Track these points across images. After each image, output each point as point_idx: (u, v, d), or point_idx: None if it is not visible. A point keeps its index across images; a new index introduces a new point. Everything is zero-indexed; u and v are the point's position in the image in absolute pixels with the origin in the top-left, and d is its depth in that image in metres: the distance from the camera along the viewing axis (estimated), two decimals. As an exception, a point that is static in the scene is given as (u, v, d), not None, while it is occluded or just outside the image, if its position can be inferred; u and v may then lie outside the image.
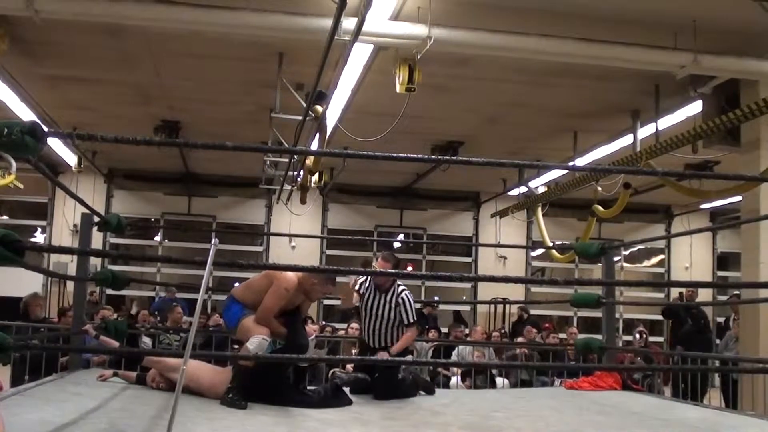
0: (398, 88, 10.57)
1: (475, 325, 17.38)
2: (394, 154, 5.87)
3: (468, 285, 23.12)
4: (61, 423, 5.32)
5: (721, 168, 15.69)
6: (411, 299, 8.68)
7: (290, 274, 7.72)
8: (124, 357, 9.70)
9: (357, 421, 6.63)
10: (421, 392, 8.81)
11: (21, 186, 17.41)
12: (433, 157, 16.33)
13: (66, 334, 9.41)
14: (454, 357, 13.11)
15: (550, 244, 19.44)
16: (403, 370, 9.55)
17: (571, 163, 15.88)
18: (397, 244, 25.03)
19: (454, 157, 16.15)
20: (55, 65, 13.15)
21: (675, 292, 21.17)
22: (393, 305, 8.56)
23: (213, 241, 4.21)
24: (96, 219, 8.49)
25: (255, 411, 6.83)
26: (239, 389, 7.00)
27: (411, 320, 8.60)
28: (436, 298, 22.67)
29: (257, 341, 7.18)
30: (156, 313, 15.91)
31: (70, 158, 18.52)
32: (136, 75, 13.54)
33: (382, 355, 8.33)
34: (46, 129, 4.62)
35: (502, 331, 17.68)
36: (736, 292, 16.52)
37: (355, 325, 14.04)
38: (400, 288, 8.69)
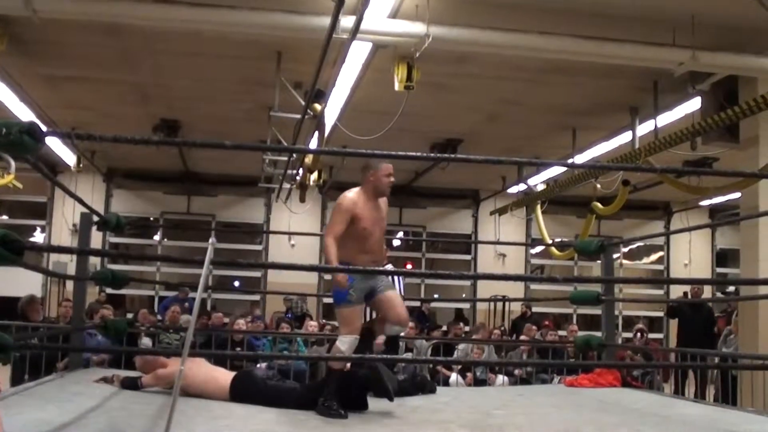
0: (397, 86, 10.58)
1: (479, 324, 17.36)
2: (393, 153, 5.87)
3: (467, 283, 23.14)
4: (61, 422, 5.32)
5: (720, 165, 15.69)
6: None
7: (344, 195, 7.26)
8: (124, 356, 9.70)
9: (357, 419, 6.64)
10: (421, 392, 8.80)
11: (20, 186, 17.45)
12: (432, 155, 16.31)
13: (65, 331, 9.40)
14: (456, 356, 13.11)
15: (550, 242, 19.47)
16: (403, 370, 9.55)
17: (570, 161, 15.89)
18: (396, 243, 25.02)
19: (453, 155, 16.17)
20: (54, 65, 13.15)
21: (674, 290, 21.20)
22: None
23: (210, 240, 4.21)
24: (95, 218, 8.48)
25: (256, 409, 6.83)
26: (333, 395, 6.84)
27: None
28: (436, 296, 22.69)
29: (349, 341, 6.93)
30: (159, 312, 15.95)
31: (69, 158, 18.54)
32: (135, 74, 13.54)
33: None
34: (44, 129, 4.63)
35: (502, 328, 17.72)
36: (730, 288, 16.60)
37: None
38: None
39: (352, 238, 7.08)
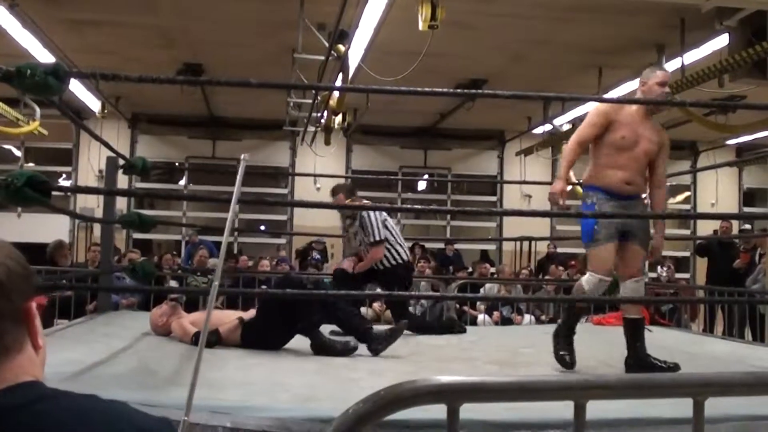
0: (421, 26, 10.46)
1: (502, 265, 17.37)
2: (419, 89, 5.83)
3: (493, 224, 23.15)
4: (92, 362, 5.38)
5: (748, 102, 15.55)
6: (372, 216, 8.54)
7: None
8: (153, 297, 9.77)
9: (386, 358, 6.67)
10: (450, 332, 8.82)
11: (45, 132, 17.50)
12: (458, 91, 16.14)
13: (94, 274, 9.48)
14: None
15: (575, 181, 19.36)
16: (430, 313, 9.55)
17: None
18: (422, 184, 25.00)
19: (479, 91, 16.12)
20: (76, 9, 13.10)
21: (703, 229, 21.10)
22: (359, 227, 8.58)
23: (243, 156, 4.18)
24: (121, 162, 8.52)
25: (284, 349, 6.87)
26: (566, 338, 6.45)
27: (374, 239, 8.51)
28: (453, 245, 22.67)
29: (594, 281, 6.35)
30: (189, 261, 16.08)
31: (94, 104, 18.54)
32: (158, 17, 13.49)
33: (347, 264, 8.30)
34: (68, 70, 4.63)
35: (530, 268, 17.72)
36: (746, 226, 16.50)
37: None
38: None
39: (606, 147, 6.39)
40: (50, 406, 1.57)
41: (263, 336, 6.97)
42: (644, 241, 6.48)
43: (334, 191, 9.02)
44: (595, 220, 6.30)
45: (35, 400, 1.56)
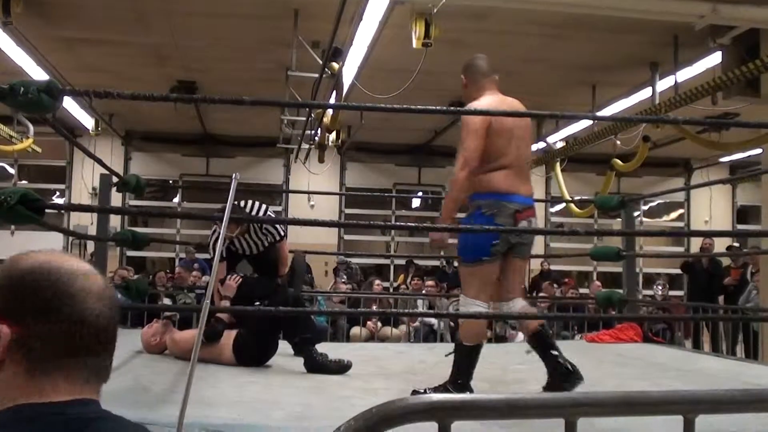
0: (414, 44, 10.49)
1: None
2: (412, 107, 5.83)
3: (487, 242, 23.14)
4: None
5: (742, 120, 15.55)
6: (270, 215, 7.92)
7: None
8: (146, 315, 9.75)
9: (380, 375, 6.66)
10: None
11: (39, 150, 17.51)
12: (451, 108, 16.16)
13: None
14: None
15: (569, 199, 19.40)
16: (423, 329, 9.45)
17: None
18: (416, 202, 25.02)
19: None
20: (70, 27, 13.11)
21: (695, 246, 21.13)
22: (262, 233, 7.71)
23: (234, 174, 4.20)
24: (115, 180, 8.51)
25: (278, 366, 6.86)
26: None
27: (282, 235, 7.88)
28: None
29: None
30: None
31: (87, 121, 18.53)
32: (152, 35, 13.50)
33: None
34: (62, 87, 4.64)
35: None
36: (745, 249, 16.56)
37: (377, 281, 14.08)
38: (256, 208, 7.63)
39: None
40: (107, 426, 1.65)
41: (254, 346, 6.99)
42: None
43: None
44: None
45: (99, 417, 1.65)
